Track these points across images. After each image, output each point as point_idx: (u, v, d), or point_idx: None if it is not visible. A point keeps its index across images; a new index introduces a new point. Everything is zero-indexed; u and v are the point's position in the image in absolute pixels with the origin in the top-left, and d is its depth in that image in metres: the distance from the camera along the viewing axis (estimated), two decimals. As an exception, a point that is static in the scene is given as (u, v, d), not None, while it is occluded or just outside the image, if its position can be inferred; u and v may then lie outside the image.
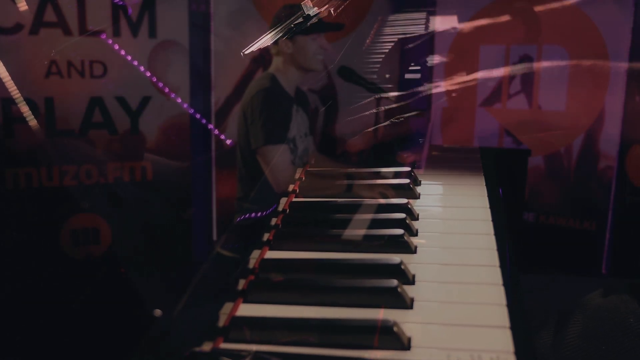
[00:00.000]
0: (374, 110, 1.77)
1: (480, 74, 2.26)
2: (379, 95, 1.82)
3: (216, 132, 1.95)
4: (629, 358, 1.08)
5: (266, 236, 1.04)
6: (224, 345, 0.75)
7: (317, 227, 1.08)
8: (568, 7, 2.15)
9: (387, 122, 1.63)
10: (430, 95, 2.30)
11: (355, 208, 1.10)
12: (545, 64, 2.22)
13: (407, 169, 1.32)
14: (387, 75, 2.19)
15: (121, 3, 1.77)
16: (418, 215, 1.11)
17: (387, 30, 2.14)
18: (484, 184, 1.29)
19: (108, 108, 1.79)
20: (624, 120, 2.11)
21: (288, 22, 1.71)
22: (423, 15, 2.21)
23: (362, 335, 0.74)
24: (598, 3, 2.12)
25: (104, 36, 1.74)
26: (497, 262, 0.92)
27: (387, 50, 2.15)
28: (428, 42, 2.34)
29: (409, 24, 2.15)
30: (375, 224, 1.03)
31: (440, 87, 2.19)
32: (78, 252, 1.74)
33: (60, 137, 1.74)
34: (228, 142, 1.94)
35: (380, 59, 2.15)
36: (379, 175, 1.28)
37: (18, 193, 1.65)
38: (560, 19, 2.18)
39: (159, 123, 1.88)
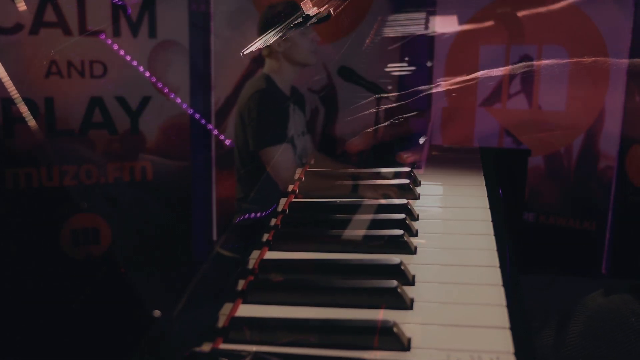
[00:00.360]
0: (374, 110, 1.77)
1: (480, 73, 2.26)
2: (379, 95, 1.82)
3: (215, 132, 1.95)
4: (630, 358, 1.07)
5: (265, 237, 1.04)
6: (223, 346, 0.75)
7: (317, 227, 1.08)
8: (568, 7, 2.15)
9: (387, 123, 1.63)
10: (430, 95, 2.29)
11: (354, 208, 1.10)
12: (545, 63, 2.22)
13: (407, 169, 1.32)
14: (387, 75, 2.19)
15: (121, 3, 1.77)
16: (418, 215, 1.11)
17: (387, 30, 2.14)
18: (484, 184, 1.29)
19: (108, 108, 1.79)
20: (624, 120, 2.11)
21: (288, 21, 1.71)
22: (423, 15, 2.21)
23: (362, 335, 0.74)
24: (598, 3, 2.12)
25: (103, 36, 1.74)
26: (497, 262, 0.92)
27: (387, 50, 2.15)
28: (428, 42, 2.34)
29: (409, 24, 2.15)
30: (375, 224, 1.03)
31: (440, 87, 2.19)
32: (78, 252, 1.74)
33: (60, 137, 1.74)
34: (227, 142, 1.94)
35: (380, 59, 2.15)
36: (379, 176, 1.28)
37: (18, 193, 1.65)
38: (560, 19, 2.18)
39: (159, 123, 1.88)
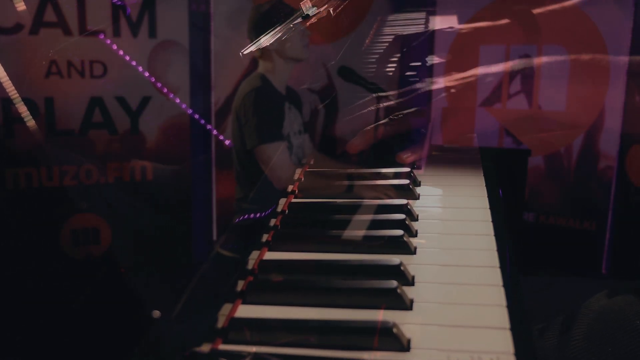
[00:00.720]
0: (374, 108, 1.77)
1: (478, 70, 2.26)
2: (379, 96, 1.82)
3: (215, 132, 1.95)
4: None
5: (265, 237, 1.04)
6: (222, 347, 0.75)
7: (316, 227, 1.08)
8: (568, 7, 2.15)
9: (387, 120, 1.63)
10: (430, 94, 2.29)
11: (354, 209, 1.10)
12: (545, 63, 2.22)
13: (407, 169, 1.32)
14: (387, 75, 2.19)
15: (120, 3, 1.77)
16: (418, 216, 1.11)
17: (387, 30, 2.14)
18: (484, 184, 1.29)
19: (108, 108, 1.79)
20: (624, 120, 2.11)
21: (288, 21, 1.71)
22: (423, 15, 2.21)
23: (362, 336, 0.74)
24: (598, 3, 2.12)
25: (102, 36, 1.74)
26: (497, 263, 0.92)
27: (386, 50, 2.15)
28: (428, 42, 2.34)
29: (408, 24, 2.15)
30: (374, 224, 1.03)
31: (439, 83, 2.19)
32: (78, 252, 1.74)
33: (60, 137, 1.74)
34: (227, 142, 1.94)
35: (380, 59, 2.15)
36: (379, 176, 1.28)
37: (18, 193, 1.65)
38: (560, 19, 2.18)
39: (159, 123, 1.88)
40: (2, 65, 1.52)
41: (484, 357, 0.70)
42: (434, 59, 2.34)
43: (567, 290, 1.52)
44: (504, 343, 0.73)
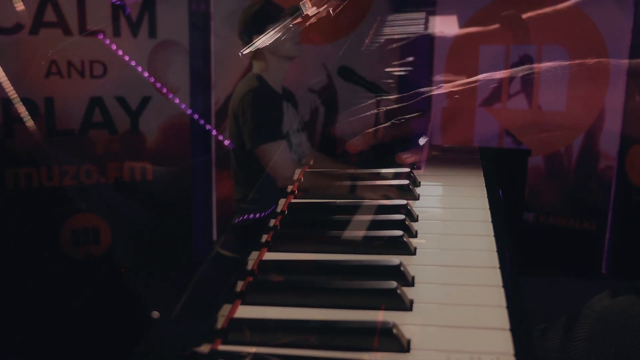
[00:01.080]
0: (375, 111, 1.77)
1: (481, 76, 2.26)
2: (379, 96, 1.82)
3: (214, 133, 1.95)
4: None
5: (264, 237, 1.04)
6: (222, 347, 0.75)
7: (316, 228, 1.08)
8: (568, 7, 2.15)
9: (388, 123, 1.63)
10: (431, 95, 2.29)
11: (354, 209, 1.09)
12: (545, 64, 2.22)
13: (407, 169, 1.32)
14: (387, 75, 2.19)
15: (120, 3, 1.77)
16: (417, 216, 1.11)
17: (387, 30, 2.14)
18: (484, 184, 1.28)
19: (108, 108, 1.79)
20: (624, 120, 2.11)
21: (287, 21, 1.70)
22: (423, 15, 2.21)
23: (361, 337, 0.74)
24: (598, 3, 2.12)
25: (102, 36, 1.74)
26: (497, 263, 0.91)
27: (386, 51, 2.15)
28: (428, 41, 2.34)
29: (408, 24, 2.15)
30: (374, 225, 1.03)
31: (442, 89, 2.19)
32: (78, 252, 1.74)
33: (60, 137, 1.74)
34: (226, 142, 1.94)
35: (380, 59, 2.15)
36: (379, 176, 1.28)
37: (18, 193, 1.65)
38: (560, 19, 2.18)
39: (159, 123, 1.88)
40: (3, 65, 1.52)
41: (484, 358, 0.70)
42: (434, 59, 2.35)
43: (567, 290, 1.52)
44: (503, 344, 0.72)
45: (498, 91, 2.32)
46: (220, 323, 0.79)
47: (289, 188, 1.26)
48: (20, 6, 1.58)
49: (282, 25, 1.64)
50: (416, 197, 1.22)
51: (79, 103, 1.75)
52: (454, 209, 1.16)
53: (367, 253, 0.97)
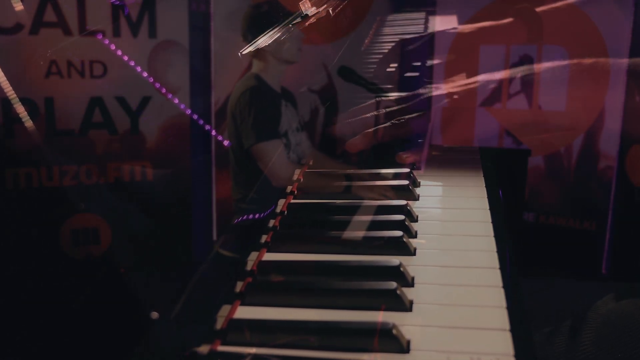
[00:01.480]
0: (376, 112, 1.77)
1: (481, 77, 2.26)
2: (379, 96, 1.82)
3: (214, 133, 1.95)
4: None
5: (264, 238, 1.04)
6: (221, 348, 0.75)
7: (316, 228, 1.08)
8: (568, 6, 2.15)
9: (388, 124, 1.63)
10: (431, 95, 2.29)
11: (353, 209, 1.10)
12: (545, 64, 2.22)
13: (407, 170, 1.32)
14: (387, 75, 2.19)
15: (120, 3, 1.77)
16: (417, 216, 1.11)
17: (387, 30, 2.14)
18: (484, 184, 1.29)
19: (108, 108, 1.79)
20: (624, 120, 2.11)
21: (287, 21, 1.71)
22: (423, 15, 2.21)
23: (361, 337, 0.74)
24: (598, 3, 2.12)
25: (100, 36, 1.74)
26: (497, 264, 0.92)
27: (386, 51, 2.15)
28: (428, 42, 2.34)
29: (408, 24, 2.15)
30: (374, 225, 1.03)
31: (441, 89, 2.19)
32: (78, 252, 1.74)
33: (60, 137, 1.74)
34: (225, 143, 1.94)
35: (380, 59, 2.15)
36: (378, 177, 1.28)
37: (18, 193, 1.65)
38: (560, 19, 2.18)
39: (159, 123, 1.88)
40: (3, 65, 1.52)
41: (484, 359, 0.70)
42: (434, 59, 2.34)
43: (567, 290, 1.52)
44: (504, 344, 0.73)
45: (498, 91, 2.32)
46: (219, 324, 0.79)
47: (289, 188, 1.26)
48: (20, 6, 1.58)
49: (282, 25, 1.64)
50: (416, 198, 1.22)
51: (79, 103, 1.75)
52: (454, 209, 1.17)
53: (366, 253, 0.98)
